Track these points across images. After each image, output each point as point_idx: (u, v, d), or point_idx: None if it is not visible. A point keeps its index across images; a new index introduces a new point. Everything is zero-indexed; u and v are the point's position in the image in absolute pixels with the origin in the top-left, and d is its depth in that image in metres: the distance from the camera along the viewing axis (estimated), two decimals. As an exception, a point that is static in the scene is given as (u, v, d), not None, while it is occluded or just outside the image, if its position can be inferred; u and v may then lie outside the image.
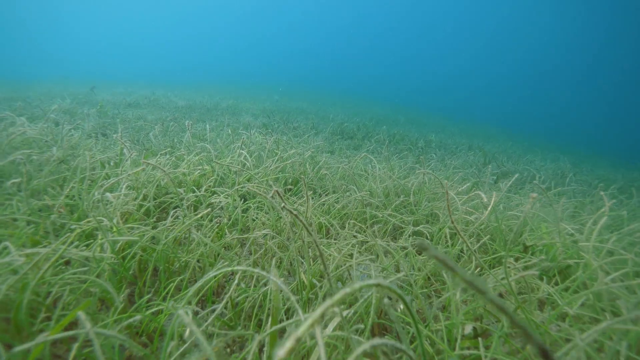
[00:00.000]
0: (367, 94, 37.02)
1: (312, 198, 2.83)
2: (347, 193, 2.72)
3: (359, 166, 4.06)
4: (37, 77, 17.76)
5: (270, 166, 2.80)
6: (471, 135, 12.55)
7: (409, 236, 2.15)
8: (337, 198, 2.52)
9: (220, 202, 2.34)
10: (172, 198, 2.32)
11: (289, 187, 3.02)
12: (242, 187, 2.47)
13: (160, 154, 2.75)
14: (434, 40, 79.98)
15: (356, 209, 2.41)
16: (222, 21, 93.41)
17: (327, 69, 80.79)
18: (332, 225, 2.14)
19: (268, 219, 2.19)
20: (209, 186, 2.50)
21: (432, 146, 8.00)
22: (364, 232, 2.28)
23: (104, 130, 4.70)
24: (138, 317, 1.19)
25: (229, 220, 2.09)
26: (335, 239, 2.18)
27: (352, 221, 2.13)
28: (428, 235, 2.21)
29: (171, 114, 7.27)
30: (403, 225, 2.26)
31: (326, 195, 2.98)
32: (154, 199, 2.35)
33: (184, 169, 2.68)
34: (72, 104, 6.45)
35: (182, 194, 2.40)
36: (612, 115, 61.37)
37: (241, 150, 2.59)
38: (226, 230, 1.98)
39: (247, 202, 2.44)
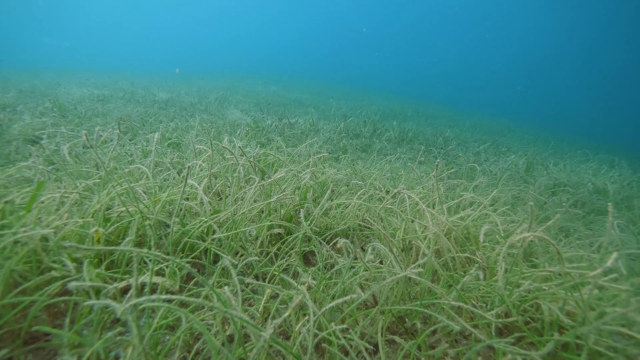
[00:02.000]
0: (369, 85, 35.66)
1: (315, 257, 1.74)
2: (370, 247, 1.62)
3: (375, 176, 2.97)
4: (15, 67, 16.47)
5: (244, 208, 1.69)
6: (486, 129, 11.35)
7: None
8: (356, 272, 1.43)
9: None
10: (50, 286, 1.23)
11: (278, 231, 1.92)
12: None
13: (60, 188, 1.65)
14: (435, 31, 77.45)
15: (394, 295, 1.32)
16: (220, 10, 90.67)
17: (326, 59, 78.75)
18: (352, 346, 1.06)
19: (224, 321, 1.11)
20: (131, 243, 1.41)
21: (452, 144, 6.86)
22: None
23: (39, 135, 3.58)
24: None
25: (141, 342, 1.00)
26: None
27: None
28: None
29: (144, 109, 6.12)
30: (487, 341, 1.16)
31: (335, 247, 1.89)
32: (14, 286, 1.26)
33: (92, 212, 1.57)
34: (15, 98, 5.28)
35: (70, 271, 1.30)
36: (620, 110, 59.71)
37: (191, 181, 1.50)
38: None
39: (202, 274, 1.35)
